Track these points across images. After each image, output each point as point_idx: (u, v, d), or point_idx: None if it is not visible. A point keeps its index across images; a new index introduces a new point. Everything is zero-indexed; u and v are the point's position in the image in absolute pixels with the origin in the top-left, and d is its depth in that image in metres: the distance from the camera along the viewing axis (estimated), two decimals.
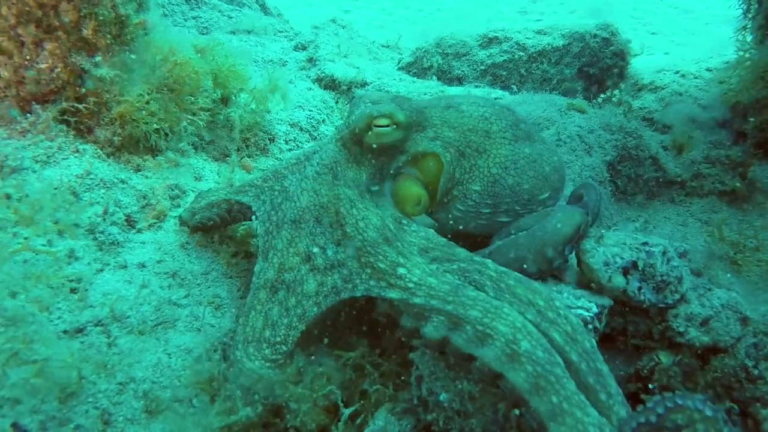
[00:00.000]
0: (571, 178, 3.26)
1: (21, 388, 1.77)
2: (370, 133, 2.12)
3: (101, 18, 2.72)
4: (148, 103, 2.90)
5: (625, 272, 2.01)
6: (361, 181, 2.14)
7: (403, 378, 1.94)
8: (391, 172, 2.20)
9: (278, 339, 1.98)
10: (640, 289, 2.01)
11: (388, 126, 2.10)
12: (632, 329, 2.11)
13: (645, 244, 2.06)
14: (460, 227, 2.22)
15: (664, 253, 2.04)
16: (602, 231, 2.10)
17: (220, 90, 3.53)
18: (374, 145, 2.13)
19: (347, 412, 1.85)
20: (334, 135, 2.26)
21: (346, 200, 2.09)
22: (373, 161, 2.17)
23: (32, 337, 1.85)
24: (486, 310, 1.74)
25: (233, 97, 3.64)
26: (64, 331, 2.09)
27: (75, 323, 2.13)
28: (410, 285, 1.88)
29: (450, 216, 2.20)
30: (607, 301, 2.00)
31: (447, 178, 2.15)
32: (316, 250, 2.05)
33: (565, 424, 1.56)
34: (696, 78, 5.10)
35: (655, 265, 2.02)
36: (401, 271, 1.91)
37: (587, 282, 2.05)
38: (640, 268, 2.01)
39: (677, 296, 2.04)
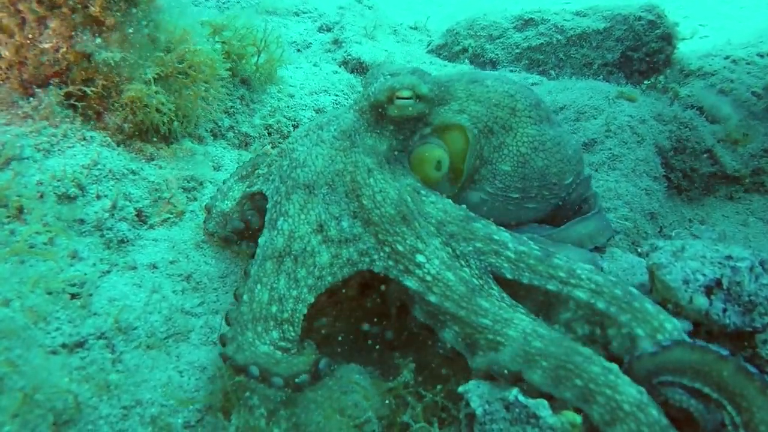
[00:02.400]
0: (624, 173, 2.97)
1: (7, 417, 1.53)
2: (391, 105, 2.05)
3: None
4: (157, 93, 2.64)
5: (708, 291, 1.73)
6: (381, 150, 2.07)
7: (452, 412, 1.68)
8: (414, 142, 2.12)
9: (285, 315, 1.80)
10: (724, 311, 1.73)
11: (410, 98, 2.04)
12: None
13: (729, 257, 1.77)
14: (490, 218, 2.06)
15: (751, 268, 1.76)
16: (682, 242, 1.81)
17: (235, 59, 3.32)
18: (395, 118, 2.07)
19: None
20: (351, 105, 2.17)
21: (364, 168, 2.01)
22: (395, 133, 2.10)
23: (22, 359, 1.60)
24: (496, 320, 1.72)
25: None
26: (63, 345, 1.85)
27: (75, 336, 1.89)
28: (428, 278, 1.82)
29: (478, 200, 2.10)
30: (686, 325, 1.72)
31: (474, 154, 2.07)
32: (329, 220, 1.93)
33: (597, 403, 1.51)
34: (748, 64, 4.74)
35: (743, 283, 1.73)
36: (420, 258, 1.85)
37: (662, 302, 1.77)
38: (724, 287, 1.73)
39: (767, 319, 1.75)
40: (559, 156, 2.07)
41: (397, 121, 2.07)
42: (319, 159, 2.04)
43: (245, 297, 1.85)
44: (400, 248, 1.86)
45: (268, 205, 2.04)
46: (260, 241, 1.96)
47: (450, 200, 2.01)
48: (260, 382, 1.66)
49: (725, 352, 1.50)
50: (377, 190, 1.96)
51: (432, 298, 1.79)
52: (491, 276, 1.85)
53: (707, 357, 1.50)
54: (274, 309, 1.81)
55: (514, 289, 1.87)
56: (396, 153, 2.09)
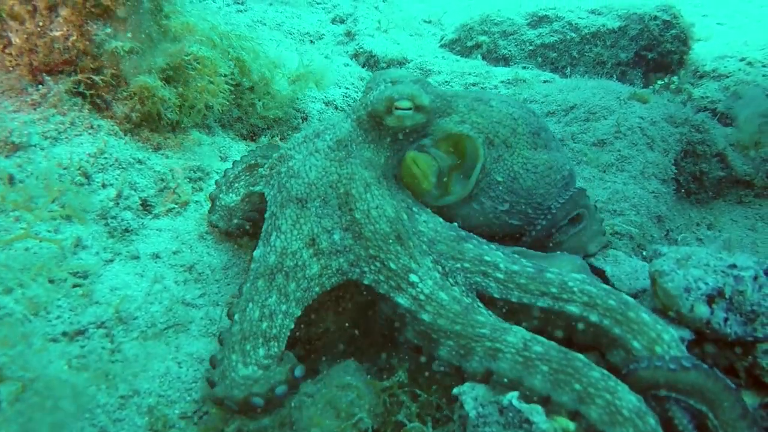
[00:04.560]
0: (632, 175, 2.94)
1: (6, 407, 1.55)
2: (390, 116, 2.00)
3: None
4: (164, 85, 2.64)
5: (710, 300, 1.71)
6: (379, 164, 2.02)
7: (444, 412, 1.68)
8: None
9: (273, 332, 1.80)
10: (726, 320, 1.71)
11: (409, 109, 1.99)
12: (710, 364, 1.81)
13: (733, 266, 1.75)
14: (479, 228, 2.05)
15: (755, 278, 1.74)
16: (688, 250, 1.79)
17: (246, 79, 3.30)
18: (394, 128, 2.02)
19: None
20: (349, 114, 2.11)
21: (361, 182, 1.95)
22: (393, 144, 2.05)
23: (20, 348, 1.62)
24: (494, 329, 1.68)
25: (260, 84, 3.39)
26: (63, 333, 1.86)
27: (76, 324, 1.90)
28: (421, 297, 1.78)
29: (472, 210, 2.06)
30: (686, 333, 1.71)
31: (482, 163, 2.00)
32: (321, 233, 1.90)
33: (595, 404, 1.50)
34: (765, 66, 4.69)
35: (745, 293, 1.71)
36: (413, 278, 1.81)
37: (663, 309, 1.76)
38: (727, 296, 1.71)
39: None
40: (547, 180, 2.05)
41: (395, 132, 2.03)
42: (312, 170, 2.00)
43: (236, 317, 1.84)
44: (393, 266, 1.83)
45: (266, 215, 2.03)
46: (255, 254, 1.95)
47: (440, 219, 1.99)
48: (241, 410, 1.69)
49: (732, 385, 1.53)
50: (373, 206, 1.91)
51: (425, 317, 1.75)
52: (476, 294, 1.84)
53: (718, 385, 1.53)
54: (264, 326, 1.80)
55: (509, 308, 1.85)
56: (393, 165, 2.05)
